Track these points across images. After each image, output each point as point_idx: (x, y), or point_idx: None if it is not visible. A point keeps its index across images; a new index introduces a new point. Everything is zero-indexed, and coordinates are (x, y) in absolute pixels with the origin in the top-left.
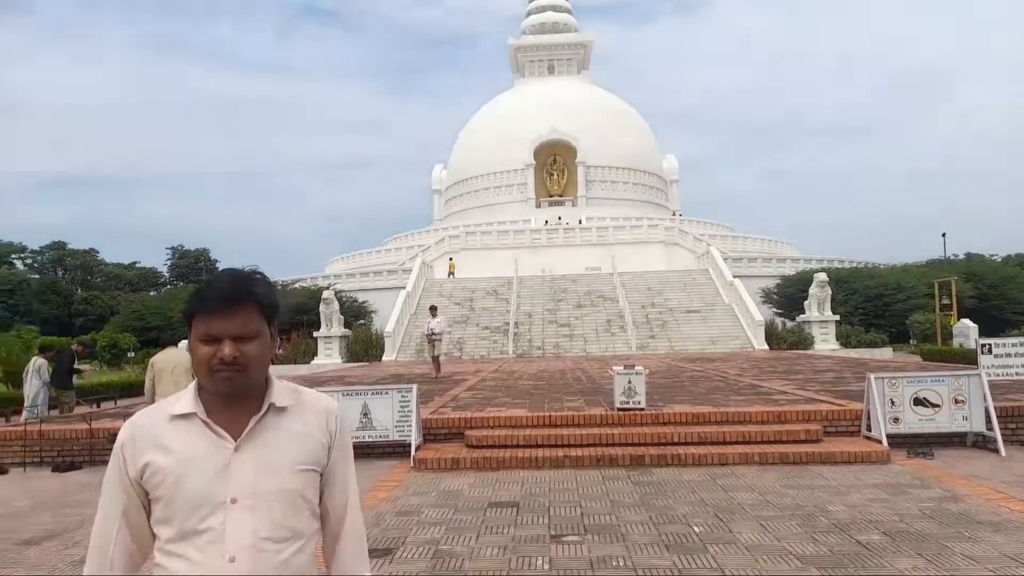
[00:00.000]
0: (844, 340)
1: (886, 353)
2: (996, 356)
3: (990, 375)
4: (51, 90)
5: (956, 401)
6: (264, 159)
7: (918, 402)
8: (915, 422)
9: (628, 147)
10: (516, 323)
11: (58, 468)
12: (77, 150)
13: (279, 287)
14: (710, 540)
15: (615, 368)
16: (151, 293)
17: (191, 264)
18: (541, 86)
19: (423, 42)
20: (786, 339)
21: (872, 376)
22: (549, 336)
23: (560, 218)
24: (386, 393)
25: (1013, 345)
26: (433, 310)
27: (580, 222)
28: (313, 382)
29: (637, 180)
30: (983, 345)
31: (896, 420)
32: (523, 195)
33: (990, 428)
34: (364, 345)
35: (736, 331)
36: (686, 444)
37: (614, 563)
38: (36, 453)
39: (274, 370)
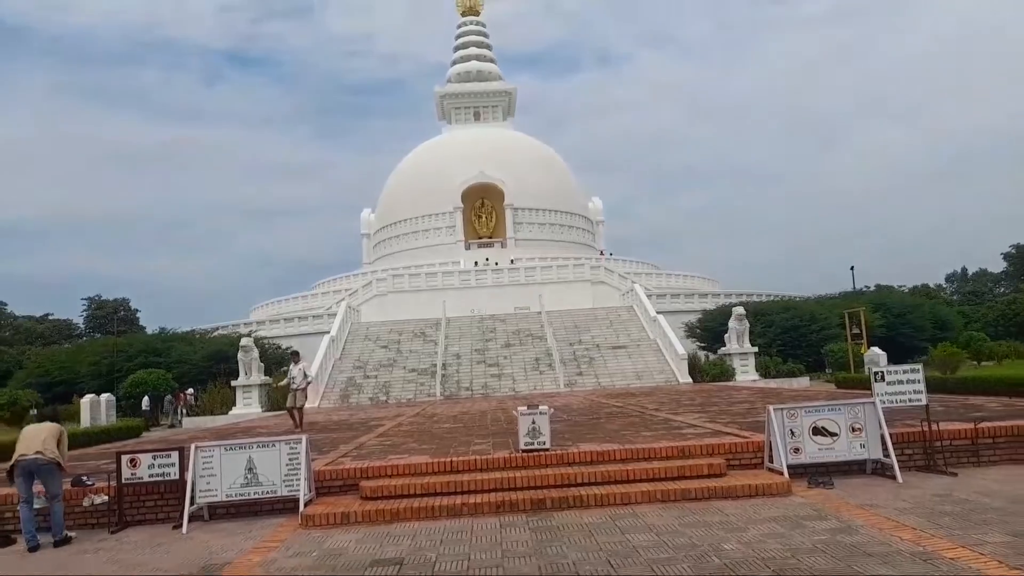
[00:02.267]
0: (764, 371)
1: (803, 382)
2: (889, 383)
3: (884, 402)
4: None
5: (853, 429)
6: (190, 207)
7: (817, 431)
8: (815, 452)
9: (554, 190)
10: (444, 364)
11: None
12: None
13: (197, 336)
14: None
15: (519, 409)
16: (65, 346)
17: (109, 315)
18: (468, 131)
19: (351, 88)
20: (708, 372)
21: (772, 408)
22: (477, 376)
23: (488, 259)
24: (273, 446)
25: (904, 372)
26: (295, 356)
27: (511, 262)
28: (219, 434)
29: (564, 221)
30: (876, 373)
31: (797, 450)
32: (452, 237)
33: (887, 455)
34: (285, 393)
35: (661, 365)
36: (589, 484)
37: None
38: None
39: (189, 423)
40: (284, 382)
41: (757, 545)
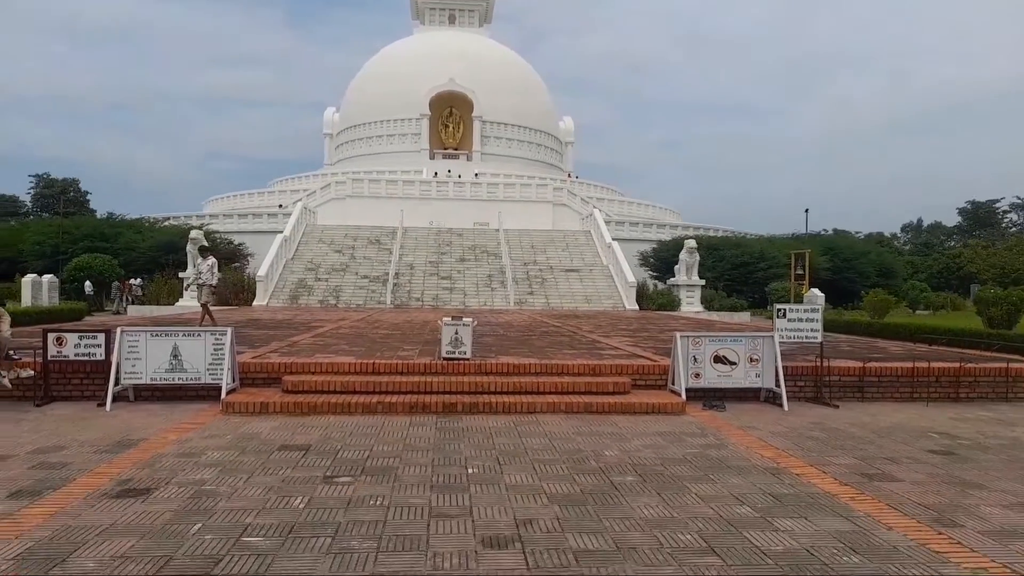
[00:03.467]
0: (708, 304)
1: (744, 317)
2: (789, 320)
3: (783, 338)
4: None
5: (751, 360)
6: (145, 88)
7: (718, 360)
8: (714, 378)
9: (526, 106)
10: (397, 273)
11: None
12: None
13: (147, 224)
14: (477, 481)
15: (443, 319)
16: (11, 223)
17: (57, 195)
18: (441, 35)
19: None
20: (655, 300)
21: (679, 334)
22: (429, 288)
23: (450, 171)
24: (198, 335)
25: (804, 311)
26: (203, 251)
27: (475, 175)
28: (159, 324)
29: (533, 139)
30: (778, 310)
31: (697, 375)
32: (417, 145)
33: (779, 385)
34: (235, 289)
35: (610, 291)
36: (501, 393)
37: (372, 502)
38: None
39: (133, 311)
40: (190, 277)
41: (634, 453)
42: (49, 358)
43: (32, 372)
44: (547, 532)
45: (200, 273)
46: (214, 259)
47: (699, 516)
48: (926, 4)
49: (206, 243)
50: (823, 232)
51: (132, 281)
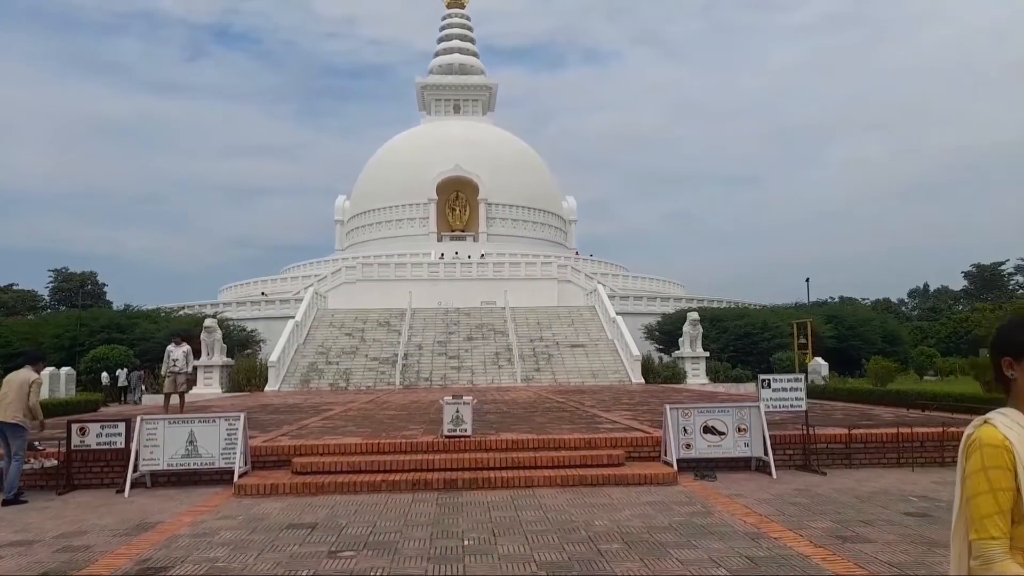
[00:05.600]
0: (714, 375)
1: (749, 387)
2: (775, 390)
3: (768, 407)
4: None
5: (739, 430)
6: (162, 181)
7: (707, 430)
8: (704, 448)
9: (529, 187)
10: (406, 354)
11: None
12: None
13: (162, 314)
14: (473, 552)
15: (444, 398)
16: (29, 317)
17: (75, 288)
18: (447, 124)
19: (334, 71)
20: (661, 373)
21: (668, 406)
22: (438, 368)
23: (457, 253)
24: (213, 421)
25: (788, 380)
26: (177, 338)
27: (481, 256)
28: (172, 410)
29: (537, 219)
30: (763, 380)
31: (688, 446)
32: (425, 229)
33: (767, 454)
34: (247, 375)
35: (616, 365)
36: (500, 469)
37: (372, 573)
38: None
39: (148, 400)
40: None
41: (624, 523)
42: (73, 447)
43: (56, 462)
44: None
45: (175, 361)
46: (188, 346)
47: None
48: (931, 66)
49: (219, 331)
50: (829, 300)
51: (119, 371)
